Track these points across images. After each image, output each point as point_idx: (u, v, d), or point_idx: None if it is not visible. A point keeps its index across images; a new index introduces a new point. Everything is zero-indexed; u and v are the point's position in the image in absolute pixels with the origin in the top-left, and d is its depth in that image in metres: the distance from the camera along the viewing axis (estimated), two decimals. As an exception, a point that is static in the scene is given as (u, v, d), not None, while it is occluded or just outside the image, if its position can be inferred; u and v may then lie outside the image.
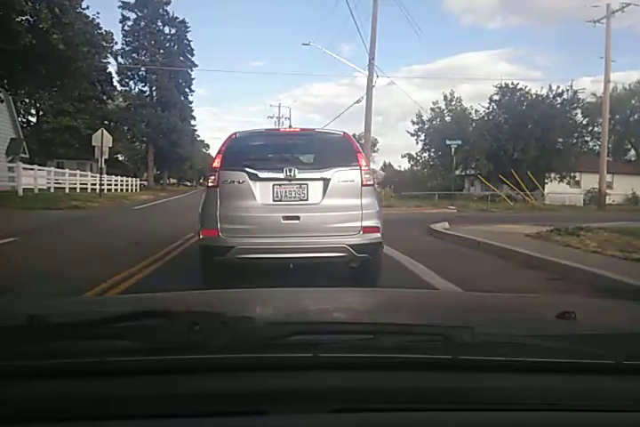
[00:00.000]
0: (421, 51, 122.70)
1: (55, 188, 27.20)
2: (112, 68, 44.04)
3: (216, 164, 5.35)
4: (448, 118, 39.39)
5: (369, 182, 5.36)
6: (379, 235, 5.31)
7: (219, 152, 5.49)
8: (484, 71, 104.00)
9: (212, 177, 5.30)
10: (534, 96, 34.63)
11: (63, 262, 6.83)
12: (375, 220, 5.30)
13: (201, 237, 5.30)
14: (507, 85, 35.25)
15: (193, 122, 56.79)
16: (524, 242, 9.22)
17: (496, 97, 35.64)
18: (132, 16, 48.68)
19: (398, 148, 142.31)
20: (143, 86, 50.72)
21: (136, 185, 41.90)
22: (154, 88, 49.84)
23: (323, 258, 5.25)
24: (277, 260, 5.20)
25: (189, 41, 51.02)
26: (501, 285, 5.79)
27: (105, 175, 31.09)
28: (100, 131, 26.08)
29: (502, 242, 8.84)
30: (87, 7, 19.20)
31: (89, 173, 34.10)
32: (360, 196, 5.25)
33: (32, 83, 20.93)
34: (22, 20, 16.60)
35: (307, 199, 5.23)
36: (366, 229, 5.21)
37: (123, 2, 47.67)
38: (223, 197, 5.20)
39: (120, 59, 48.48)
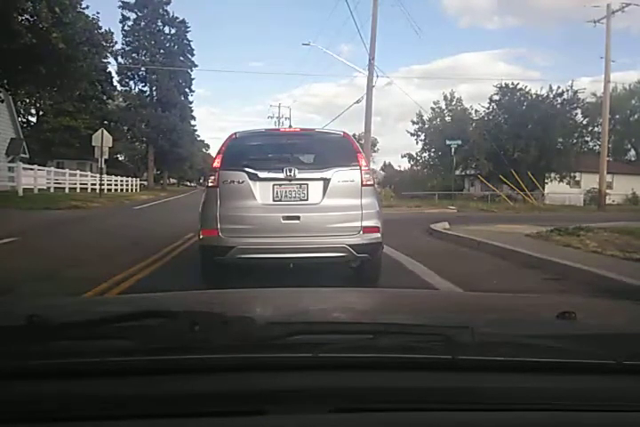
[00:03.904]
0: (420, 51, 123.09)
1: (55, 188, 27.21)
2: (112, 68, 44.14)
3: (216, 164, 5.35)
4: (448, 118, 39.42)
5: (369, 182, 5.36)
6: (379, 235, 5.31)
7: (219, 152, 5.49)
8: (482, 71, 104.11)
9: (212, 177, 5.30)
10: (534, 96, 34.63)
11: (63, 262, 6.82)
12: (375, 220, 5.30)
13: (201, 237, 5.30)
14: (507, 85, 35.25)
15: (193, 122, 57.05)
16: (525, 242, 9.22)
17: (496, 97, 35.65)
18: (132, 16, 48.84)
19: (398, 148, 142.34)
20: (143, 86, 50.86)
21: (136, 185, 41.90)
22: (154, 88, 49.89)
23: (323, 258, 5.24)
24: (277, 260, 5.20)
25: (189, 41, 51.19)
26: (502, 285, 5.79)
27: (105, 175, 31.11)
28: (99, 131, 26.10)
29: (502, 242, 8.83)
30: (87, 7, 19.22)
31: (89, 173, 34.09)
32: (360, 196, 5.25)
33: (32, 82, 20.91)
34: (22, 19, 16.60)
35: (307, 199, 5.23)
36: (366, 229, 5.22)
37: (123, 2, 47.79)
38: (223, 197, 5.20)
39: (120, 59, 48.59)
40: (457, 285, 5.60)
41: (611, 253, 7.52)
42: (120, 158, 55.65)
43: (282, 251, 5.09)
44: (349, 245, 5.13)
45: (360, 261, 5.44)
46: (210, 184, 5.34)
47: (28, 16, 16.73)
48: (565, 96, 34.07)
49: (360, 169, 5.32)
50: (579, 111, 35.26)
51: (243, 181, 5.18)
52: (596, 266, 6.31)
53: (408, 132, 40.45)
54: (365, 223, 5.22)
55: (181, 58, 50.41)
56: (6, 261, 7.09)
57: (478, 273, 6.58)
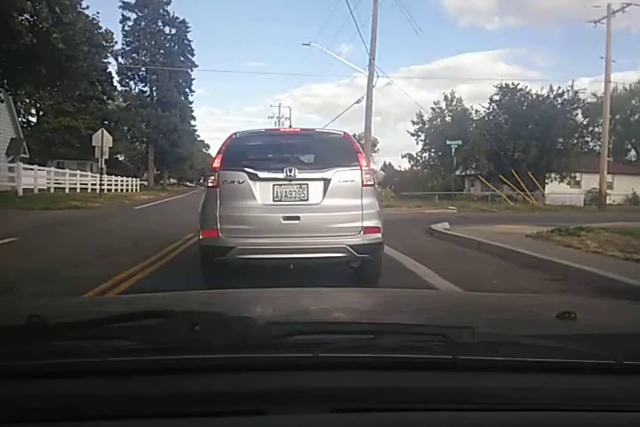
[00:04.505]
0: (420, 51, 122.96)
1: (55, 188, 27.20)
2: (112, 68, 44.12)
3: (216, 164, 5.32)
4: (448, 118, 39.41)
5: (369, 182, 5.34)
6: (379, 235, 5.29)
7: (219, 152, 5.47)
8: (482, 72, 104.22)
9: (212, 177, 5.28)
10: (535, 96, 34.61)
11: (63, 263, 6.82)
12: (376, 220, 5.29)
13: (201, 237, 5.28)
14: (507, 86, 35.26)
15: (193, 122, 57.02)
16: (525, 242, 9.20)
17: (496, 97, 35.65)
18: (133, 16, 48.86)
19: (398, 148, 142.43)
20: (143, 86, 50.86)
21: (136, 185, 41.88)
22: (154, 88, 49.89)
23: (323, 258, 5.22)
24: (278, 260, 5.18)
25: (190, 41, 51.19)
26: (502, 285, 5.78)
27: (105, 175, 31.10)
28: (100, 131, 26.07)
29: (503, 242, 8.82)
30: (87, 7, 19.21)
31: (89, 173, 34.08)
32: (360, 196, 5.23)
33: (32, 83, 20.90)
34: (22, 19, 16.59)
35: (307, 199, 5.21)
36: (367, 230, 5.19)
37: (123, 2, 47.82)
38: (223, 197, 5.18)
39: (120, 59, 48.68)
40: (458, 285, 5.59)
41: (612, 254, 7.50)
42: (120, 158, 55.70)
43: (282, 251, 5.07)
44: (350, 246, 5.11)
45: (360, 262, 5.41)
46: (210, 184, 5.32)
47: (28, 16, 16.73)
48: (566, 96, 34.05)
49: (360, 169, 5.29)
50: (579, 111, 35.24)
51: (243, 181, 5.16)
52: (597, 266, 6.28)
53: (408, 132, 40.53)
54: (366, 223, 5.20)
55: (181, 58, 50.41)
56: (6, 261, 7.08)
57: (479, 273, 6.58)
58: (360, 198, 5.23)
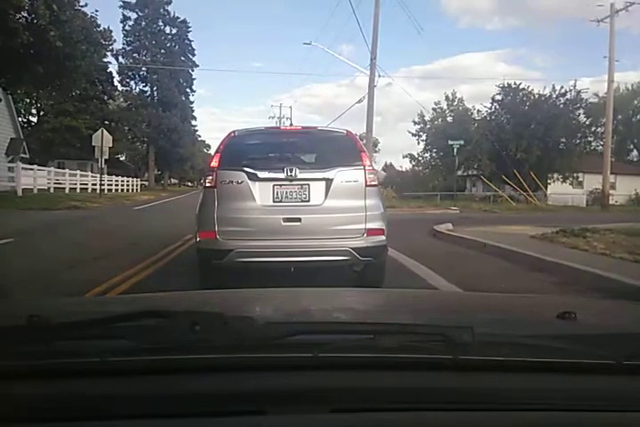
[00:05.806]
0: (420, 51, 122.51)
1: (55, 188, 27.19)
2: (113, 68, 44.30)
3: (214, 163, 5.14)
4: (450, 118, 39.36)
5: (373, 183, 5.16)
6: (383, 237, 5.11)
7: (217, 151, 5.30)
8: (483, 72, 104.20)
9: (210, 177, 5.10)
10: (537, 96, 34.52)
11: (62, 264, 6.78)
12: (380, 222, 5.12)
13: (198, 239, 5.10)
14: (509, 85, 35.13)
15: (194, 122, 57.21)
16: (530, 244, 9.09)
17: (498, 97, 35.53)
18: (133, 16, 49.01)
19: (398, 148, 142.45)
20: (144, 86, 50.96)
21: (137, 185, 41.91)
22: (155, 88, 49.96)
23: (325, 262, 5.03)
24: (278, 263, 5.00)
25: (190, 41, 51.28)
26: (509, 288, 5.57)
27: (105, 175, 31.15)
28: (99, 131, 26.07)
29: (508, 244, 8.68)
30: (85, 4, 19.17)
31: (89, 173, 34.07)
32: (364, 197, 5.07)
33: (30, 82, 20.89)
34: (19, 17, 16.56)
35: (308, 200, 5.05)
36: (371, 232, 5.02)
37: (124, 2, 47.93)
38: (221, 197, 5.01)
39: (121, 58, 48.92)
40: (464, 288, 5.40)
41: (619, 256, 7.34)
42: (121, 158, 55.71)
43: (282, 254, 4.89)
44: (353, 249, 4.93)
45: (363, 265, 5.26)
46: (207, 184, 5.14)
47: (25, 14, 16.69)
48: (568, 96, 33.93)
49: (364, 169, 5.12)
50: (581, 111, 35.09)
51: (241, 182, 4.99)
52: (606, 269, 6.14)
53: (409, 132, 40.53)
54: (370, 225, 5.03)
55: (182, 58, 50.46)
56: (4, 261, 7.05)
57: (485, 276, 6.44)
58: (363, 199, 5.06)
